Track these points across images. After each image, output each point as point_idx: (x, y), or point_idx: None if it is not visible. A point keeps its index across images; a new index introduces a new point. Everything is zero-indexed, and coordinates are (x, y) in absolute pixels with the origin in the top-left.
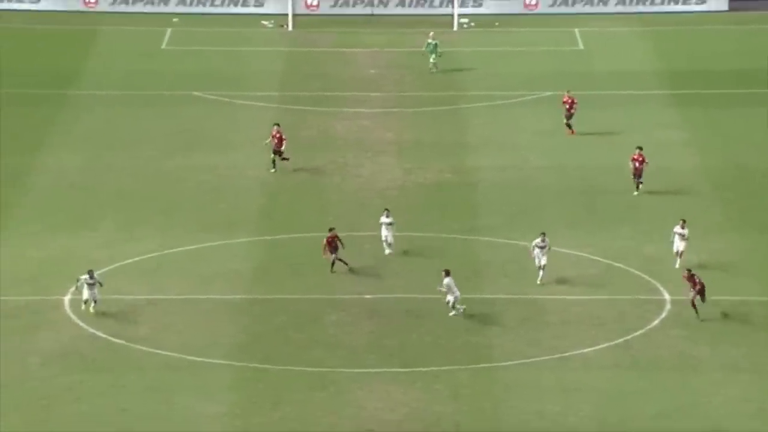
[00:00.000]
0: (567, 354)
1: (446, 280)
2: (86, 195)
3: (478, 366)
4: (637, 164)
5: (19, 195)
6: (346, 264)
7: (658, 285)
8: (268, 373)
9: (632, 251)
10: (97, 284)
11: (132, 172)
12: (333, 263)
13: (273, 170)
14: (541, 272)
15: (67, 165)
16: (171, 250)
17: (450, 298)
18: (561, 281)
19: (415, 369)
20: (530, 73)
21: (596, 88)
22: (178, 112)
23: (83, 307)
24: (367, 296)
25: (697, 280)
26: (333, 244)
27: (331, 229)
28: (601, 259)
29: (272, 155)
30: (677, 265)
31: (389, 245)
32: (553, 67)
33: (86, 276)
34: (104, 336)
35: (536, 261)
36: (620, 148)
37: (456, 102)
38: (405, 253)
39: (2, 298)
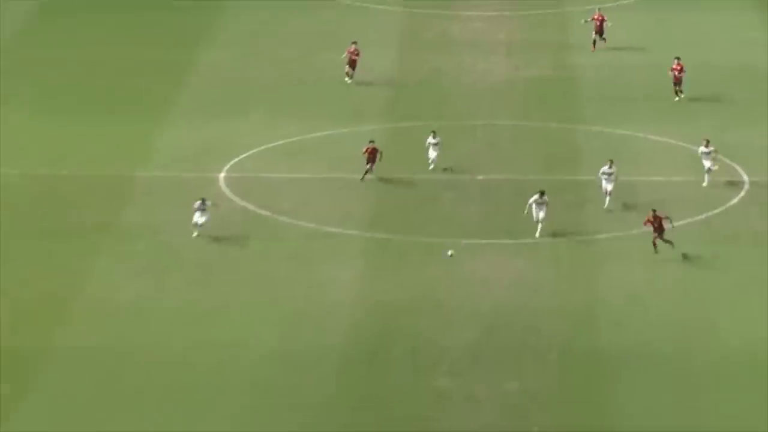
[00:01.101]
0: None
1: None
2: (238, 87)
3: (576, 239)
4: (676, 74)
5: (180, 85)
6: (367, 173)
7: (738, 168)
8: (391, 243)
9: (715, 138)
10: (208, 210)
11: (277, 67)
12: (366, 172)
13: (348, 80)
14: (607, 198)
15: (221, 61)
16: (309, 135)
17: (540, 215)
18: (652, 165)
19: (520, 241)
20: None
21: None
22: (318, 15)
23: (194, 234)
24: (480, 177)
25: (658, 219)
26: (372, 155)
27: (371, 141)
28: (687, 145)
29: (346, 67)
30: (705, 183)
31: (433, 162)
32: None
33: (198, 202)
34: (253, 209)
35: (603, 186)
36: (706, 46)
37: (560, 6)
38: (513, 139)
39: (166, 174)
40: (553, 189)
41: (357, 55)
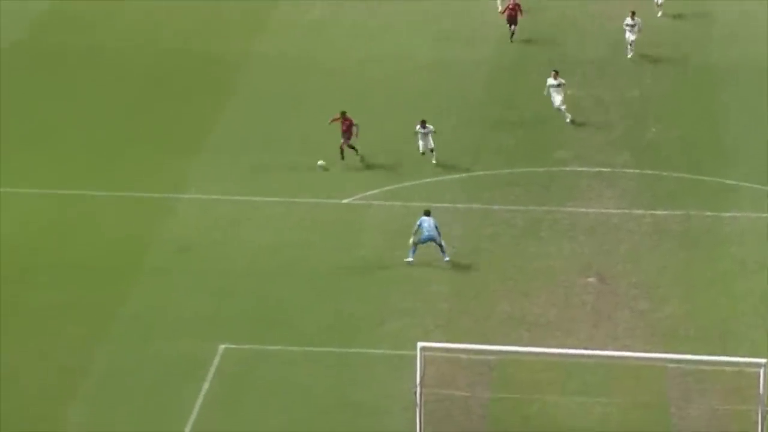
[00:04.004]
0: None
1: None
2: None
3: None
4: None
5: None
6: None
7: None
8: None
9: None
10: (429, 134)
11: None
12: (341, 151)
13: None
14: (629, 47)
15: None
16: None
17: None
18: None
19: None
20: None
21: None
22: None
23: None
24: None
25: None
26: (348, 129)
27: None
28: None
29: None
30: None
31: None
32: None
33: (419, 126)
34: None
35: (627, 37)
36: None
37: None
38: None
39: None
40: None
41: None
